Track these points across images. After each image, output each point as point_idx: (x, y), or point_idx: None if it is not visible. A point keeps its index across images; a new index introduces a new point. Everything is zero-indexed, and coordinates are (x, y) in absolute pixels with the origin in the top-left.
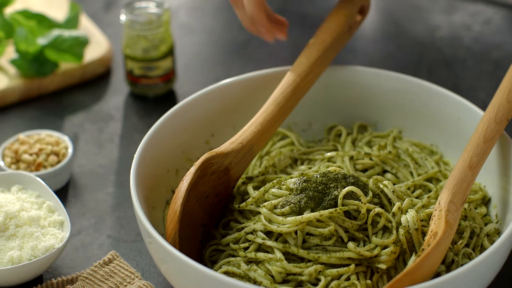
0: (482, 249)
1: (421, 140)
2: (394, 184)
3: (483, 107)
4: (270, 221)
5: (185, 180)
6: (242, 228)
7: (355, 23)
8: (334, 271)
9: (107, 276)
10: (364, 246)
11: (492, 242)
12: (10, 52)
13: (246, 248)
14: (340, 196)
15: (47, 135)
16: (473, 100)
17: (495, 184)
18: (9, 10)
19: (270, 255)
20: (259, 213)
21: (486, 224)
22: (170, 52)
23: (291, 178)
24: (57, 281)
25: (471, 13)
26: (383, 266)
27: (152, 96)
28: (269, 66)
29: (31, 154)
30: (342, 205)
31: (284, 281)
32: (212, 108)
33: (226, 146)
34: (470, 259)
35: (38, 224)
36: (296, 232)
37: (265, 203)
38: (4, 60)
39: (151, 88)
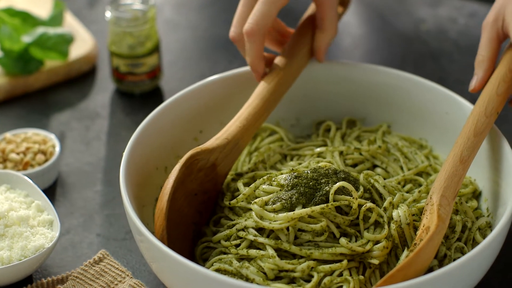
0: (474, 243)
1: (410, 134)
2: (384, 179)
3: (471, 100)
4: (261, 218)
5: (171, 178)
6: (233, 225)
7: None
8: (326, 267)
9: (97, 275)
10: (356, 241)
11: (484, 236)
12: None
13: (237, 245)
14: (332, 191)
15: (34, 133)
16: (460, 93)
17: (486, 178)
18: None
19: (262, 252)
20: (250, 209)
21: (477, 218)
22: (156, 49)
23: (282, 174)
24: (47, 281)
25: (456, 6)
26: (375, 262)
27: (139, 93)
28: None
29: (18, 153)
30: (334, 201)
31: (277, 278)
32: (200, 105)
33: (211, 142)
34: (462, 253)
35: (28, 224)
36: (287, 229)
37: (256, 200)
38: None
39: (137, 85)
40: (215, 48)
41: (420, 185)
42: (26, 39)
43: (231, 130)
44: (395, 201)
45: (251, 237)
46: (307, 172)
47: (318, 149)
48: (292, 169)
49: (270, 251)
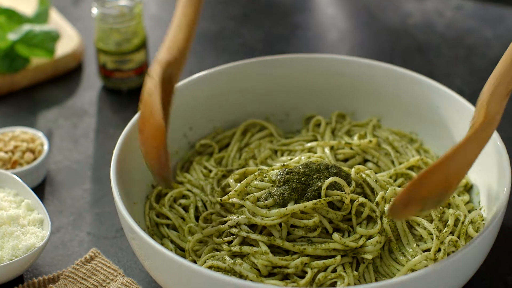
0: (467, 236)
1: (400, 128)
2: (376, 173)
3: (459, 93)
4: (253, 214)
5: (155, 96)
6: (225, 222)
7: None
8: (320, 262)
9: (89, 274)
10: (349, 236)
11: (476, 229)
12: None
13: (230, 242)
14: (324, 187)
15: (21, 132)
16: (448, 86)
17: (477, 171)
18: None
19: (255, 249)
20: (242, 206)
21: (469, 212)
22: (143, 45)
23: (273, 170)
24: (38, 280)
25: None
26: (369, 257)
27: (126, 89)
28: (242, 57)
29: (6, 152)
30: (326, 196)
31: (270, 275)
32: (189, 101)
33: (168, 53)
34: (455, 247)
35: (18, 223)
36: (280, 225)
37: (248, 196)
38: None
39: (125, 81)
40: (202, 44)
41: (411, 179)
42: (12, 36)
43: (179, 39)
44: (387, 196)
45: (243, 234)
46: (299, 168)
47: (309, 144)
48: (284, 165)
49: (263, 248)
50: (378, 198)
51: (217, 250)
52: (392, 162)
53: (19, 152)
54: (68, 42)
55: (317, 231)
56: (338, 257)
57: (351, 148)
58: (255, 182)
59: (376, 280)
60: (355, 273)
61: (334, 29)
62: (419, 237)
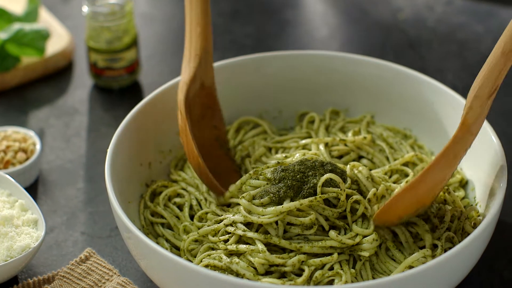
0: (464, 232)
1: (394, 124)
2: (370, 170)
3: (452, 88)
4: (249, 212)
5: (183, 123)
6: (221, 220)
7: None
8: (317, 260)
9: (84, 274)
10: (345, 234)
11: (473, 225)
12: None
13: (226, 241)
14: (319, 184)
15: (13, 131)
16: (441, 82)
17: (473, 167)
18: None
19: (251, 247)
20: (238, 204)
21: (465, 207)
22: (134, 43)
23: (268, 167)
24: (33, 281)
25: None
26: (365, 254)
27: (117, 88)
28: (233, 53)
29: None
30: (322, 193)
31: (267, 273)
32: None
33: (188, 68)
34: (452, 243)
35: (12, 224)
36: (276, 223)
37: (244, 194)
38: None
39: (116, 79)
40: None
41: (406, 175)
42: (2, 35)
43: (195, 43)
44: (379, 193)
45: (240, 232)
46: (294, 165)
47: (303, 141)
48: (278, 162)
49: (260, 246)
50: (370, 195)
51: (213, 249)
52: (387, 158)
53: (11, 152)
54: (58, 40)
55: (313, 228)
56: (335, 255)
57: (345, 145)
58: (251, 181)
59: (373, 278)
60: (352, 270)
61: (324, 25)
62: (415, 234)
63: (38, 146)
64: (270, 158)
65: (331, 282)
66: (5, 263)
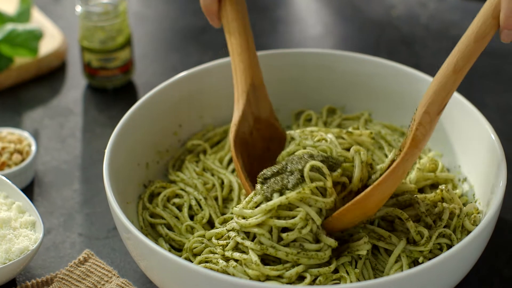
0: (463, 229)
1: (391, 122)
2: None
3: None
4: (243, 218)
5: (234, 163)
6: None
7: None
8: (315, 271)
9: (83, 276)
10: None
11: (473, 222)
12: None
13: (225, 246)
14: (306, 174)
15: (8, 133)
16: None
17: (471, 164)
18: None
19: (244, 256)
20: None
21: (464, 205)
22: (128, 43)
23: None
24: (31, 283)
25: None
26: (363, 252)
27: (111, 88)
28: (227, 52)
29: None
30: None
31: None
32: (178, 99)
33: (238, 108)
34: (451, 240)
35: (10, 226)
36: (271, 231)
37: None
38: None
39: (110, 79)
40: (186, 40)
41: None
42: None
43: (241, 81)
44: (364, 177)
45: (238, 239)
46: (284, 161)
47: (309, 129)
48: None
49: (254, 258)
50: (354, 180)
51: (212, 253)
52: (386, 155)
53: (6, 153)
54: (51, 40)
55: (308, 225)
56: (333, 265)
57: (342, 139)
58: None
59: (375, 278)
60: (356, 270)
61: (318, 23)
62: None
63: (33, 147)
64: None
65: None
66: (4, 266)
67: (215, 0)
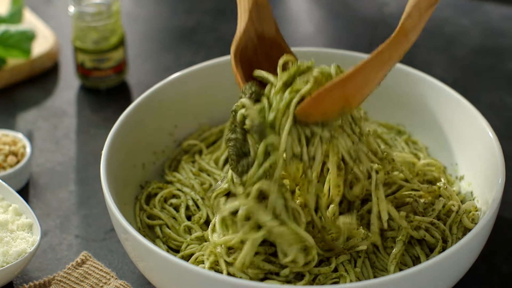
0: (460, 225)
1: (387, 120)
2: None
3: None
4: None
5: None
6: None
7: None
8: (315, 270)
9: (81, 278)
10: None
11: (471, 220)
12: None
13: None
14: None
15: (3, 135)
16: (430, 76)
17: (469, 162)
18: None
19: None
20: None
21: (462, 202)
22: (121, 43)
23: None
24: (29, 286)
25: None
26: (363, 248)
27: (105, 88)
28: (219, 51)
29: None
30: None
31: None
32: (173, 100)
33: (240, 26)
34: (444, 235)
35: (7, 229)
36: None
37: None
38: None
39: (104, 80)
40: (178, 39)
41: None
42: None
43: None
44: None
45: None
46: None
47: None
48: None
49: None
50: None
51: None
52: None
53: (1, 155)
54: (43, 41)
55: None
56: (333, 264)
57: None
58: None
59: (375, 276)
60: (357, 269)
61: (310, 21)
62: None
63: (28, 149)
64: None
65: (335, 282)
66: (1, 269)
67: None
